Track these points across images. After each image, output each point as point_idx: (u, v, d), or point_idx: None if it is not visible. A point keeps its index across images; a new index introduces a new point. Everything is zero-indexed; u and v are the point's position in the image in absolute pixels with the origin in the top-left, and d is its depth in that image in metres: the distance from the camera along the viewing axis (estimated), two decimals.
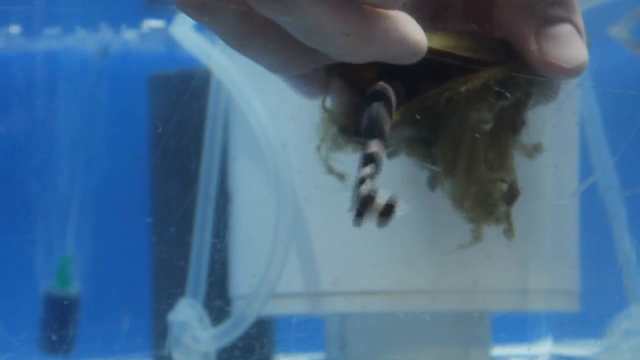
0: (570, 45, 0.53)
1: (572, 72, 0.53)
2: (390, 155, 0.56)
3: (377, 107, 0.48)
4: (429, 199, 0.62)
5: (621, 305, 0.74)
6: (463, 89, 0.52)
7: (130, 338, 0.83)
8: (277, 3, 0.44)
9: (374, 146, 0.47)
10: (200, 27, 0.81)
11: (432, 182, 0.58)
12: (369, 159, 0.47)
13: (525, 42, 0.53)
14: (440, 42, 0.51)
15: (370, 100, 0.49)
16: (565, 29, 0.53)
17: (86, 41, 1.00)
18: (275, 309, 0.74)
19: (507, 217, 0.57)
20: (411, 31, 0.48)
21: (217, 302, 0.80)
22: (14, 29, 1.00)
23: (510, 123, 0.55)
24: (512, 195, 0.56)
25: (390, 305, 0.70)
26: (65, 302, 0.94)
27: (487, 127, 0.53)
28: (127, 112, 0.98)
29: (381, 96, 0.49)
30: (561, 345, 0.83)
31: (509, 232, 0.57)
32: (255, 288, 0.74)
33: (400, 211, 0.47)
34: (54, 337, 0.89)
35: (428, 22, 0.57)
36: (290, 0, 0.43)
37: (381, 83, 0.49)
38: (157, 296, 0.90)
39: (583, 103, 0.78)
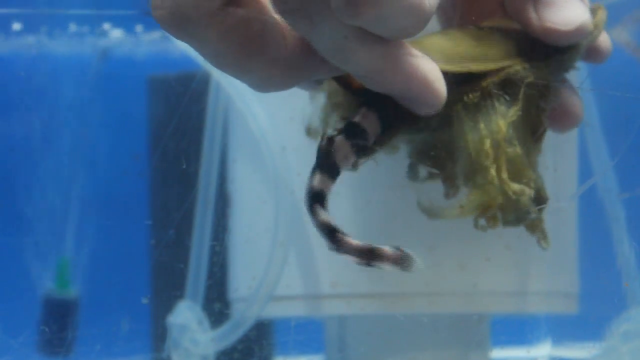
0: (568, 8, 0.52)
1: (572, 34, 0.52)
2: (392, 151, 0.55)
3: (339, 144, 0.48)
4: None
5: (620, 307, 0.74)
6: (459, 107, 0.52)
7: (129, 340, 0.83)
8: (306, 18, 0.44)
9: (317, 180, 0.47)
10: None
11: (413, 173, 0.57)
12: (314, 195, 0.47)
13: (524, 13, 0.52)
14: (438, 49, 0.51)
15: (344, 132, 0.49)
16: None
17: (85, 43, 1.00)
18: (274, 311, 0.74)
19: (540, 225, 0.56)
20: (436, 78, 0.48)
21: (216, 305, 0.80)
22: (13, 31, 1.00)
23: (530, 130, 0.54)
24: (539, 202, 0.55)
25: (389, 308, 0.70)
26: (65, 304, 0.94)
27: (500, 136, 0.52)
28: (126, 115, 0.98)
29: (355, 131, 0.49)
30: (560, 348, 0.83)
31: (543, 240, 0.57)
32: (254, 290, 0.74)
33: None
34: (52, 339, 0.89)
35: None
36: (317, 16, 0.43)
37: (362, 111, 0.49)
38: (156, 299, 0.90)
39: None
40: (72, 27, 1.00)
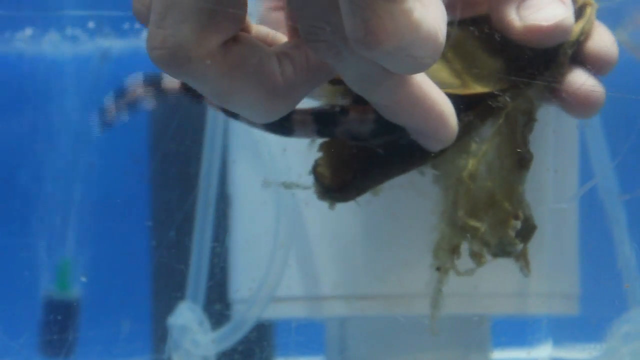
0: (548, 8, 0.53)
1: (552, 31, 0.52)
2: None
3: None
4: (428, 203, 0.62)
5: (621, 309, 0.74)
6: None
7: (129, 342, 0.83)
8: (334, 49, 0.44)
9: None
10: None
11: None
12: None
13: (507, 17, 0.53)
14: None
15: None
16: None
17: (86, 45, 1.00)
18: (275, 312, 0.74)
19: (524, 255, 0.56)
20: (451, 113, 0.49)
21: (217, 306, 0.80)
22: (14, 32, 1.00)
23: (514, 158, 0.54)
24: (527, 231, 0.55)
25: (390, 309, 0.70)
26: (65, 306, 0.94)
27: (468, 174, 0.52)
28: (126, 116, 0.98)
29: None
30: (561, 349, 0.83)
31: (525, 268, 0.57)
32: (255, 292, 0.74)
33: None
34: (53, 340, 0.89)
35: None
36: (346, 48, 0.44)
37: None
38: (156, 300, 0.90)
39: None
40: (73, 28, 1.00)
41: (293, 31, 0.49)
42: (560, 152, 0.72)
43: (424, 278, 0.69)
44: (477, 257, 0.55)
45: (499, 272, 0.70)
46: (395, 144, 0.50)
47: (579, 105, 0.56)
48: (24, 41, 1.00)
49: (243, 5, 0.45)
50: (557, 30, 0.52)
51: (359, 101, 0.50)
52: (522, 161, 0.55)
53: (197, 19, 0.44)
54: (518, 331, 0.80)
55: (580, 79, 0.55)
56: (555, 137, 0.70)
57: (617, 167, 0.76)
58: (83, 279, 0.89)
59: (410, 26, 0.42)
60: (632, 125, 0.62)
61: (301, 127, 0.50)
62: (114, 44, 0.99)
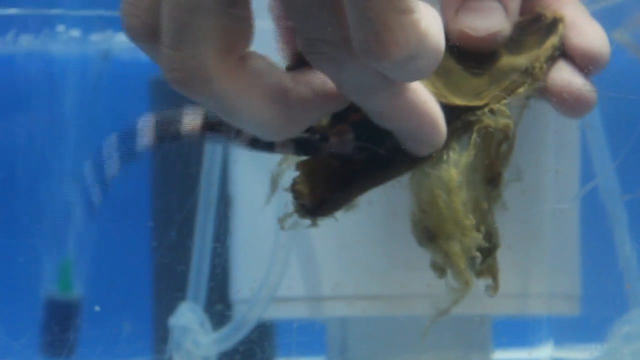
0: (486, 18, 0.53)
1: (481, 42, 0.52)
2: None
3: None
4: None
5: (622, 309, 0.74)
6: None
7: (130, 342, 0.83)
8: (334, 60, 0.44)
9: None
10: None
11: None
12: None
13: (447, 13, 0.53)
14: None
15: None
16: (489, 4, 0.53)
17: (87, 45, 1.00)
18: (276, 313, 0.74)
19: (491, 272, 0.56)
20: (441, 117, 0.49)
21: (218, 307, 0.80)
22: (16, 32, 1.00)
23: (485, 175, 0.54)
24: (488, 250, 0.55)
25: (391, 310, 0.70)
26: (67, 306, 0.94)
27: (452, 185, 0.53)
28: (128, 117, 0.98)
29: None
30: (562, 349, 0.83)
31: (492, 289, 0.57)
32: (256, 292, 0.74)
33: None
34: (54, 341, 0.89)
35: None
36: (346, 59, 0.44)
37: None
38: (157, 300, 0.90)
39: None
40: (75, 29, 1.00)
41: (293, 55, 0.49)
42: (561, 152, 0.72)
43: (425, 278, 0.69)
44: (439, 271, 0.56)
45: (500, 272, 0.70)
46: (373, 156, 0.50)
47: (569, 104, 0.56)
48: (25, 41, 1.00)
49: (251, 17, 0.44)
50: (487, 42, 0.52)
51: (335, 118, 0.50)
52: (492, 179, 0.54)
53: (213, 37, 0.43)
54: (519, 331, 0.80)
55: (567, 79, 0.55)
56: (557, 138, 0.70)
57: (618, 167, 0.76)
58: (97, 309, 0.89)
59: (419, 36, 0.42)
60: (633, 126, 0.62)
61: (282, 150, 0.50)
62: (115, 44, 0.99)
